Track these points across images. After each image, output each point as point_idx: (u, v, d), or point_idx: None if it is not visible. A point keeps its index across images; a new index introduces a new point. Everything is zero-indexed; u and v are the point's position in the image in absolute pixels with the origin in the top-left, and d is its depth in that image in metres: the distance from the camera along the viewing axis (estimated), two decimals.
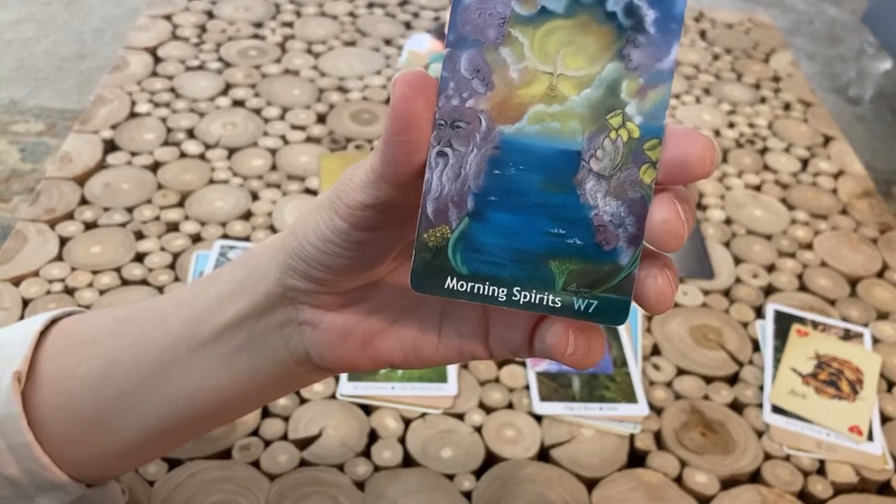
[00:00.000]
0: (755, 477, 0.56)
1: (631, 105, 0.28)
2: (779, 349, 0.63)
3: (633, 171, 0.28)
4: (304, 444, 0.54)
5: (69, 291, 0.62)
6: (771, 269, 0.71)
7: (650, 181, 0.28)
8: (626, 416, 0.58)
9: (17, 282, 0.62)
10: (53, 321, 0.40)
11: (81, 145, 0.74)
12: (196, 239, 0.67)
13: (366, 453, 0.54)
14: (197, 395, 0.37)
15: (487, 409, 0.57)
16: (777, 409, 0.59)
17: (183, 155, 0.75)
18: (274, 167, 0.75)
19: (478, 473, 0.54)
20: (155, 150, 0.75)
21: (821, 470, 0.56)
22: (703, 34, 1.03)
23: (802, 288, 0.70)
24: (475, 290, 0.30)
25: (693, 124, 0.87)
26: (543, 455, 0.55)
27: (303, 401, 0.56)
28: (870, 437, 0.58)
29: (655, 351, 0.63)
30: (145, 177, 0.72)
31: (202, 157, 0.75)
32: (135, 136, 0.76)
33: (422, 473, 0.53)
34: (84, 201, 0.69)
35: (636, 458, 0.56)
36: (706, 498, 0.54)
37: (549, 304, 0.30)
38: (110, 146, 0.75)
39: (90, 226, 0.67)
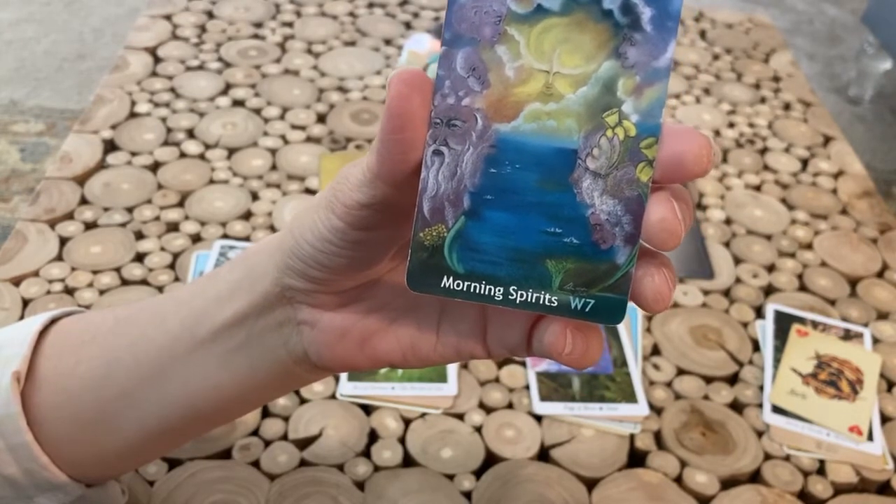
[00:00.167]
0: (755, 477, 0.56)
1: (627, 103, 0.28)
2: (779, 349, 0.63)
3: (629, 170, 0.28)
4: (304, 444, 0.54)
5: (69, 291, 0.62)
6: (771, 269, 0.71)
7: (647, 179, 0.28)
8: (626, 416, 0.58)
9: (17, 282, 0.62)
10: (53, 321, 0.40)
11: (81, 145, 0.75)
12: (196, 239, 0.67)
13: (366, 453, 0.54)
14: (196, 394, 0.37)
15: (487, 409, 0.57)
16: (777, 409, 0.59)
17: (183, 155, 0.75)
18: (274, 167, 0.75)
19: (478, 473, 0.53)
20: (155, 150, 0.75)
21: (821, 470, 0.56)
22: (702, 34, 1.03)
23: (802, 288, 0.70)
24: (471, 290, 0.30)
25: (693, 124, 0.87)
26: (543, 455, 0.55)
27: (303, 401, 0.56)
28: (870, 437, 0.58)
29: (655, 351, 0.63)
30: (145, 177, 0.72)
31: (202, 157, 0.75)
32: (135, 136, 0.76)
33: (422, 473, 0.53)
34: (84, 201, 0.69)
35: (636, 458, 0.56)
36: (706, 498, 0.54)
37: (546, 303, 0.30)
38: (110, 146, 0.75)
39: (90, 226, 0.67)
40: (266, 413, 0.55)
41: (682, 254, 0.71)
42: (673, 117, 0.87)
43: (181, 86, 0.83)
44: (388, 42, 0.93)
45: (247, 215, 0.70)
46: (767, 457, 0.57)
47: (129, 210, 0.69)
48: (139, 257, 0.65)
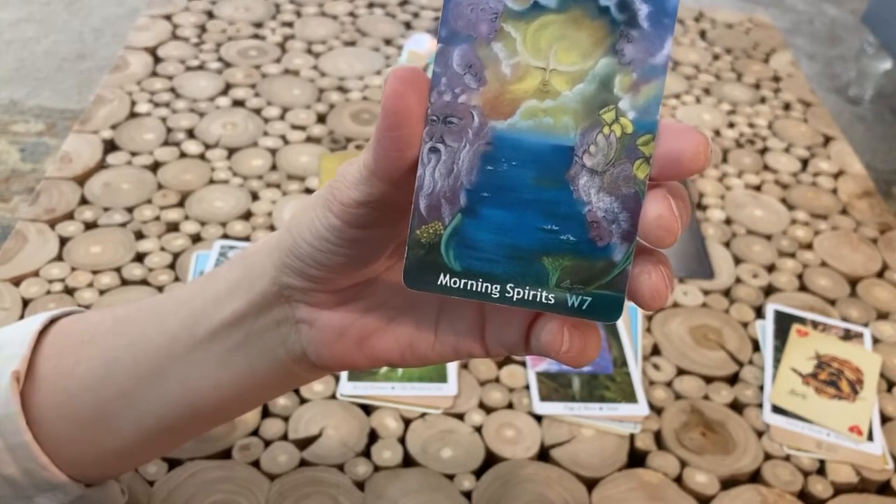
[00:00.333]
0: (755, 477, 0.56)
1: (624, 100, 0.28)
2: (779, 349, 0.63)
3: (626, 167, 0.28)
4: (304, 444, 0.54)
5: (69, 291, 0.62)
6: (771, 269, 0.71)
7: (644, 177, 0.28)
8: (626, 416, 0.57)
9: (17, 282, 0.62)
10: (52, 321, 0.40)
11: (81, 145, 0.75)
12: (196, 239, 0.67)
13: (366, 453, 0.54)
14: (195, 394, 0.37)
15: (487, 409, 0.57)
16: (777, 409, 0.59)
17: (183, 155, 0.75)
18: (274, 167, 0.75)
19: (478, 473, 0.53)
20: (155, 150, 0.75)
21: (821, 470, 0.56)
22: (703, 34, 1.03)
23: (802, 288, 0.70)
24: (468, 287, 0.30)
25: (693, 124, 0.87)
26: (543, 455, 0.55)
27: (303, 401, 0.56)
28: (870, 437, 0.58)
29: (655, 351, 0.63)
30: (145, 177, 0.72)
31: (202, 157, 0.75)
32: (135, 136, 0.76)
33: (422, 473, 0.53)
34: (84, 201, 0.69)
35: (636, 458, 0.56)
36: (706, 498, 0.54)
37: (543, 300, 0.30)
38: (110, 146, 0.75)
39: (90, 226, 0.67)
40: (266, 413, 0.55)
41: (683, 254, 0.71)
42: (673, 117, 0.87)
43: (181, 86, 0.83)
44: (388, 42, 0.93)
45: (247, 215, 0.70)
46: (767, 457, 0.56)
47: (129, 210, 0.69)
48: (139, 257, 0.65)
